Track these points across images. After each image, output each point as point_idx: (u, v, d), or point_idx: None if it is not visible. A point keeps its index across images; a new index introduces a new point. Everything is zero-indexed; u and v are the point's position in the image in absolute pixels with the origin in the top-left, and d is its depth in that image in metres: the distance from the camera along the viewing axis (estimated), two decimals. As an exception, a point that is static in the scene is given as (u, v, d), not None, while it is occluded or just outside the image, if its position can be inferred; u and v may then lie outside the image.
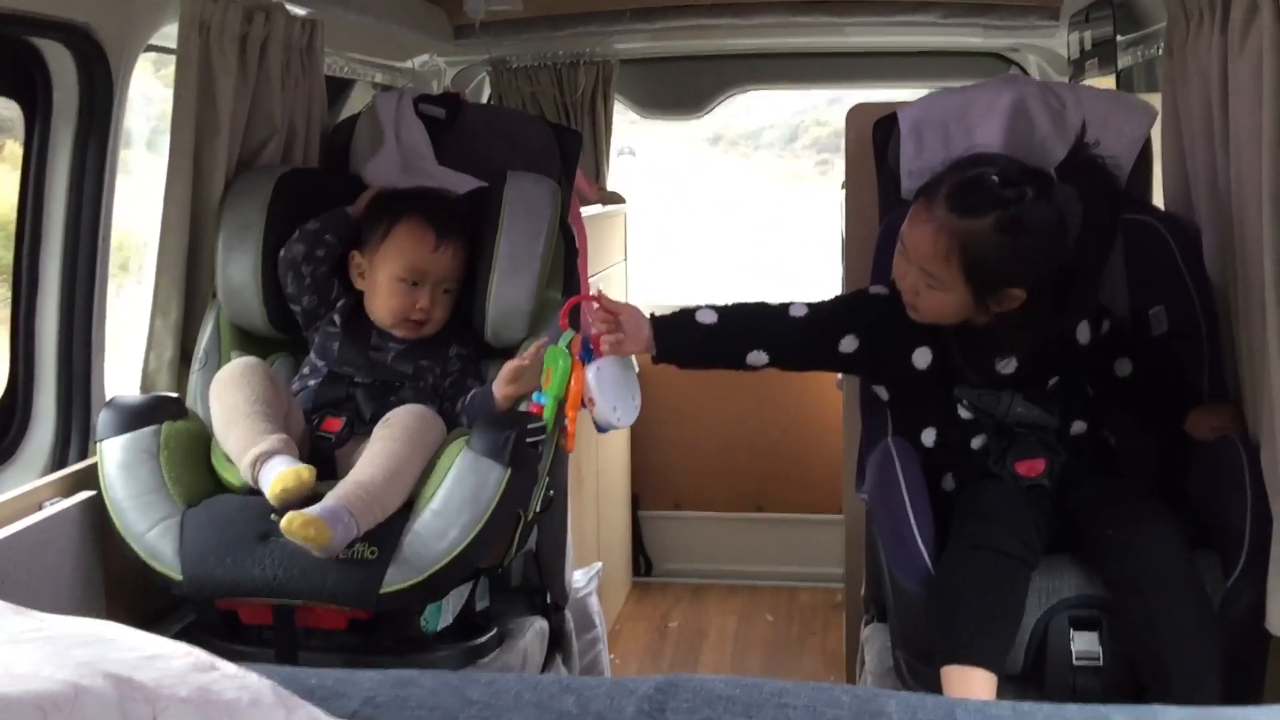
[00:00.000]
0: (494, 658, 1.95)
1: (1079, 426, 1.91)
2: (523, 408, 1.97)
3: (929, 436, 1.95)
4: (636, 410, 1.97)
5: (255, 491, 1.83)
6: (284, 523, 1.67)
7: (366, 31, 2.90)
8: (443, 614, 1.88)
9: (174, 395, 2.04)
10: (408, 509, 1.81)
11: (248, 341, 2.17)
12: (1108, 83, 2.75)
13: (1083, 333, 1.93)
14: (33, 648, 1.01)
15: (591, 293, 3.05)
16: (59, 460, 1.99)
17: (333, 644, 1.84)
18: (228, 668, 1.08)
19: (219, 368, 2.12)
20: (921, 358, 1.94)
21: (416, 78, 3.41)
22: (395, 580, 1.74)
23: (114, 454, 1.86)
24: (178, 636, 1.88)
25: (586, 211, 3.13)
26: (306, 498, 1.75)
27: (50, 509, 1.81)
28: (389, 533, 1.77)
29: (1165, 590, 1.67)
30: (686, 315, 1.97)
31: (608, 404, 1.91)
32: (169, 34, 2.05)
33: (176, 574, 1.77)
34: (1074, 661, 1.71)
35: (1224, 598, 1.69)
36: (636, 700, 1.14)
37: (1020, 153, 2.01)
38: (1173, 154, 2.07)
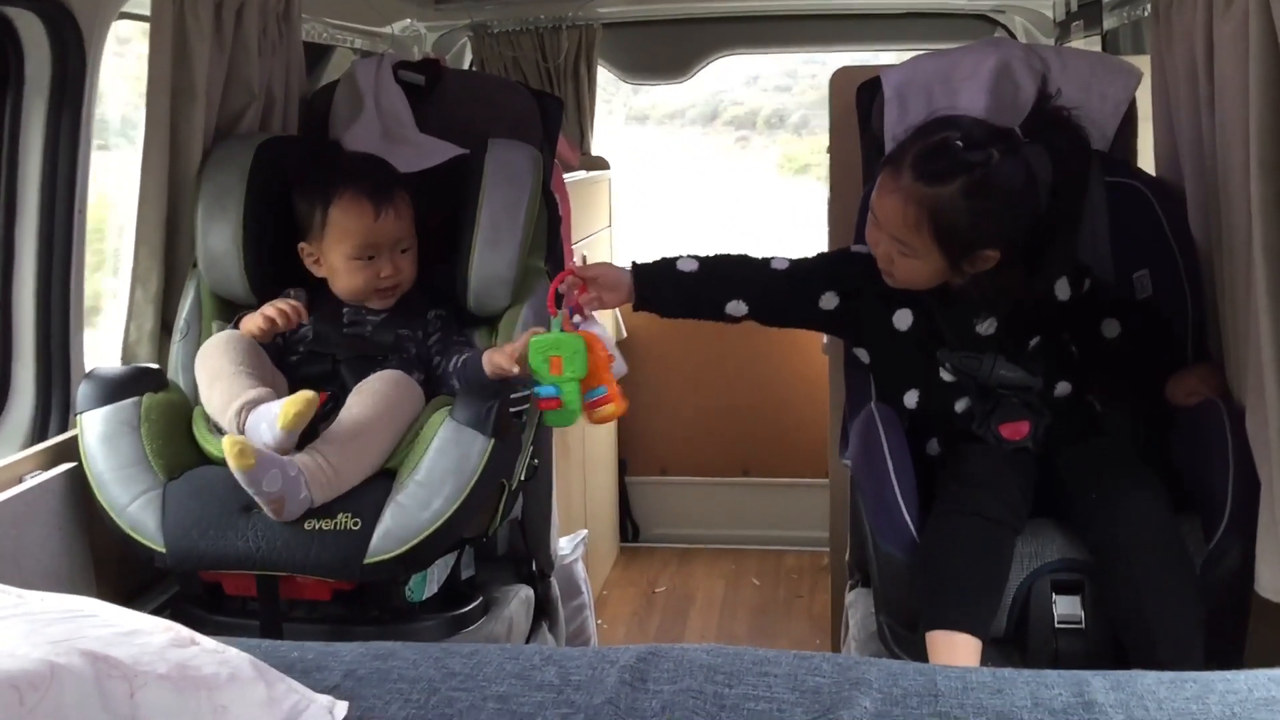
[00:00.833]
0: (479, 626, 1.95)
1: (1063, 388, 1.91)
2: (520, 393, 1.94)
3: (911, 398, 1.95)
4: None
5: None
6: (225, 440, 1.67)
7: (345, -4, 2.87)
8: (427, 584, 1.88)
9: (154, 366, 2.02)
10: (390, 479, 1.81)
11: (229, 311, 2.14)
12: (1093, 44, 2.73)
13: (1062, 290, 1.92)
14: (9, 624, 1.01)
15: (575, 260, 3.06)
16: (39, 433, 1.98)
17: (317, 615, 1.84)
18: (207, 643, 1.08)
19: (200, 338, 2.10)
20: (902, 319, 1.93)
21: (396, 43, 3.37)
22: (379, 551, 1.74)
23: (94, 426, 1.85)
24: (161, 609, 1.90)
25: (570, 177, 3.11)
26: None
27: (31, 481, 1.80)
28: (372, 503, 1.76)
29: (1148, 553, 1.67)
30: (667, 264, 1.97)
31: (619, 360, 1.87)
32: (142, 1, 2.02)
33: (159, 546, 1.77)
34: (1056, 625, 1.71)
35: (1205, 560, 1.70)
36: (618, 670, 1.14)
37: (1004, 116, 2.00)
38: (1162, 117, 2.06)
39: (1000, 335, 1.90)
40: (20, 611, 1.05)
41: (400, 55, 2.83)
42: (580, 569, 2.66)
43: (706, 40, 3.77)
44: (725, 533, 3.98)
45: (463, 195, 2.16)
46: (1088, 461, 1.82)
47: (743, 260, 1.99)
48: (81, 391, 1.88)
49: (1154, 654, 1.62)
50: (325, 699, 1.08)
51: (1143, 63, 2.15)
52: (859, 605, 2.07)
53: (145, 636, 1.04)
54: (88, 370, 1.96)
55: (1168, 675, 1.13)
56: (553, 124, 2.38)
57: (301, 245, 2.09)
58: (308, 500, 1.73)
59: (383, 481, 1.81)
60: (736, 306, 1.97)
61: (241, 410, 1.79)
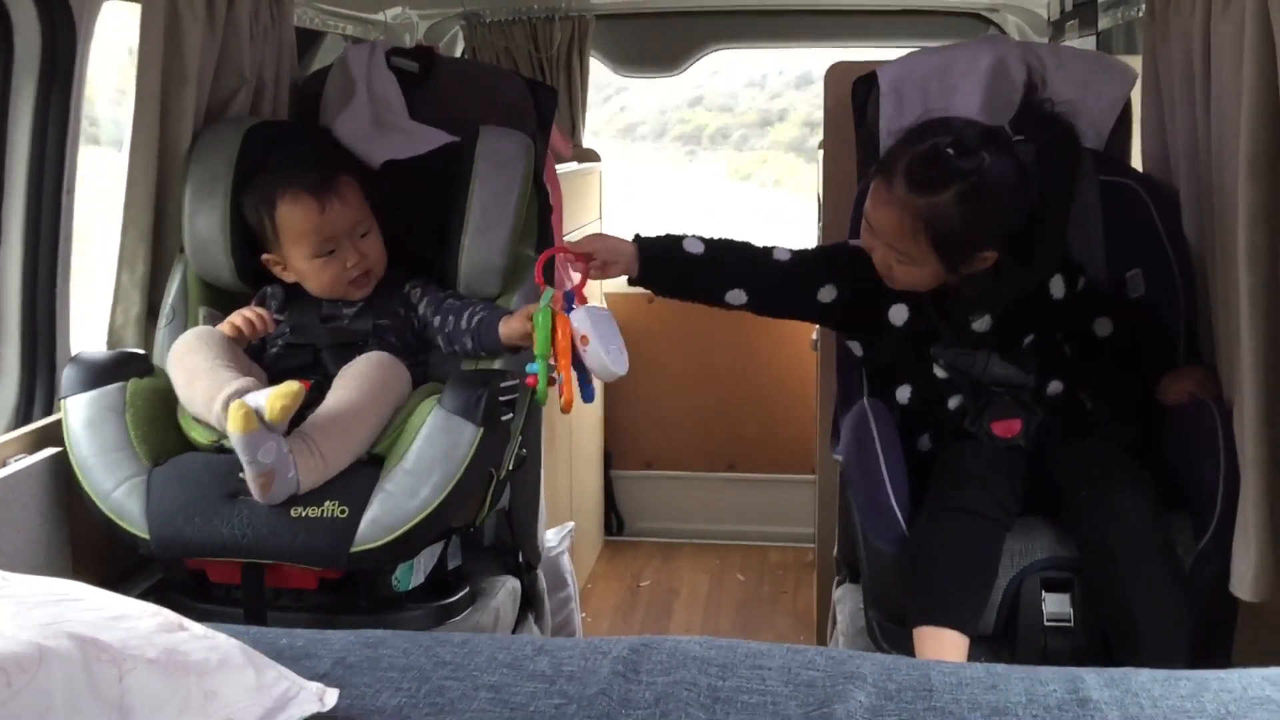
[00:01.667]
0: (466, 617, 1.94)
1: (1055, 386, 1.91)
2: (510, 381, 1.92)
3: (904, 394, 1.95)
4: (626, 360, 1.88)
5: (223, 450, 1.80)
6: (231, 405, 1.66)
7: (338, -18, 2.85)
8: (414, 573, 1.87)
9: (140, 351, 2.00)
10: (378, 467, 1.79)
11: (215, 296, 2.13)
12: (1088, 44, 2.73)
13: (1056, 287, 1.92)
14: (-5, 607, 0.99)
15: (566, 250, 3.04)
16: (23, 417, 1.96)
17: (302, 603, 1.83)
18: (196, 628, 1.07)
19: (186, 323, 2.09)
20: (898, 314, 1.93)
21: (388, 31, 3.35)
22: (366, 539, 1.72)
23: (79, 411, 1.83)
24: (145, 595, 1.88)
25: (562, 169, 3.10)
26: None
27: (14, 465, 1.78)
28: (360, 491, 1.75)
29: (1137, 552, 1.68)
30: (673, 242, 1.96)
31: (602, 344, 1.80)
32: (134, -19, 2.00)
33: (144, 533, 1.75)
34: (1045, 623, 1.71)
35: (1195, 560, 1.70)
36: (611, 661, 1.13)
37: (1000, 113, 1.99)
38: (1152, 117, 2.06)
39: (994, 333, 1.90)
40: (6, 594, 1.04)
41: (393, 42, 2.82)
42: (566, 561, 2.65)
43: (699, 33, 3.76)
44: (710, 527, 3.98)
45: (454, 182, 2.14)
46: (1079, 460, 1.82)
47: (746, 248, 1.98)
48: (66, 376, 1.86)
49: (1139, 652, 1.62)
50: (315, 686, 1.07)
51: (1136, 63, 2.15)
52: (847, 600, 2.07)
53: (133, 621, 1.03)
54: (73, 354, 1.93)
55: (1162, 673, 1.13)
56: (546, 113, 2.36)
57: (265, 257, 2.06)
58: (294, 483, 1.71)
59: (370, 469, 1.79)
60: (736, 295, 1.97)
61: (228, 402, 1.76)
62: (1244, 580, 1.60)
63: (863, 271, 1.92)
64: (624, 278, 1.97)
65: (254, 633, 1.22)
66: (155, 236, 2.11)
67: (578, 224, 3.38)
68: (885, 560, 1.77)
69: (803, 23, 3.75)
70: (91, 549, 1.87)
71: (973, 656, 1.67)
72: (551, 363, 1.78)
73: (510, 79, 2.45)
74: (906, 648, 1.69)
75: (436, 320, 2.06)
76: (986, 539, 1.72)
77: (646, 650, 1.16)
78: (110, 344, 2.08)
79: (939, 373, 1.91)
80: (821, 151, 2.72)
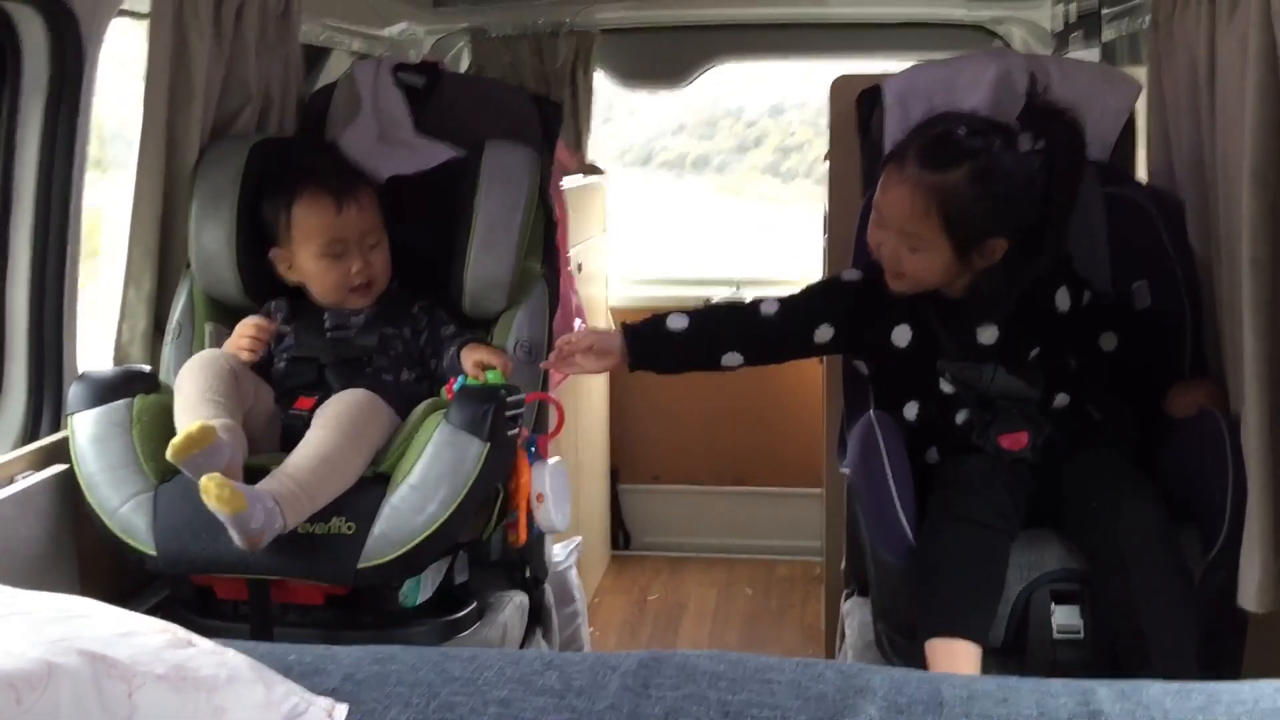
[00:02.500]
0: (473, 632, 1.93)
1: (1062, 399, 1.91)
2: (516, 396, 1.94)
3: (911, 411, 1.95)
4: (569, 517, 2.03)
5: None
6: (203, 481, 1.62)
7: (344, -2, 2.86)
8: (421, 588, 1.87)
9: (146, 368, 2.00)
10: (384, 483, 1.79)
11: (222, 312, 2.13)
12: (1092, 56, 2.74)
13: (1062, 301, 1.92)
14: (5, 624, 0.99)
15: (571, 266, 3.05)
16: (31, 433, 1.96)
17: (309, 619, 1.82)
18: (205, 644, 1.07)
19: (193, 339, 2.09)
20: (901, 336, 1.93)
21: (394, 46, 3.36)
22: (373, 555, 1.72)
23: (85, 428, 1.83)
24: (152, 612, 1.87)
25: (567, 183, 3.10)
26: (245, 471, 1.72)
27: (22, 482, 1.78)
28: (366, 507, 1.75)
29: (1145, 563, 1.67)
30: (658, 322, 1.98)
31: (555, 505, 1.95)
32: (141, -1, 2.01)
33: (151, 549, 1.75)
34: (1055, 635, 1.71)
35: (1204, 572, 1.69)
36: (620, 676, 1.13)
37: (1005, 125, 2.00)
38: (1157, 128, 2.06)
39: (1000, 346, 1.89)
40: (16, 611, 1.03)
41: (399, 57, 2.83)
42: (574, 576, 2.65)
43: (705, 47, 3.77)
44: (717, 541, 3.97)
45: (459, 197, 2.15)
46: (1086, 472, 1.82)
47: (731, 310, 2.02)
48: (73, 393, 1.86)
49: (1148, 663, 1.61)
50: (325, 701, 1.06)
51: (1140, 74, 2.15)
52: (856, 614, 2.06)
53: (142, 637, 1.03)
54: (80, 371, 1.94)
55: (1174, 685, 1.12)
56: (552, 128, 2.37)
57: (273, 252, 2.07)
58: (282, 527, 1.69)
59: (377, 485, 1.79)
60: (731, 358, 1.98)
61: None
62: (1251, 592, 1.59)
63: (860, 302, 1.95)
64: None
65: (263, 648, 1.21)
66: (161, 252, 2.12)
67: (583, 237, 3.39)
68: (893, 573, 1.77)
69: (807, 36, 3.76)
70: (98, 565, 1.86)
71: (982, 669, 1.66)
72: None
73: (516, 93, 2.46)
74: (916, 660, 1.68)
75: (433, 361, 2.08)
76: (988, 546, 1.72)
77: (656, 665, 1.15)
78: (117, 360, 2.08)
79: (946, 388, 1.91)
80: (828, 163, 2.72)
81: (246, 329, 2.00)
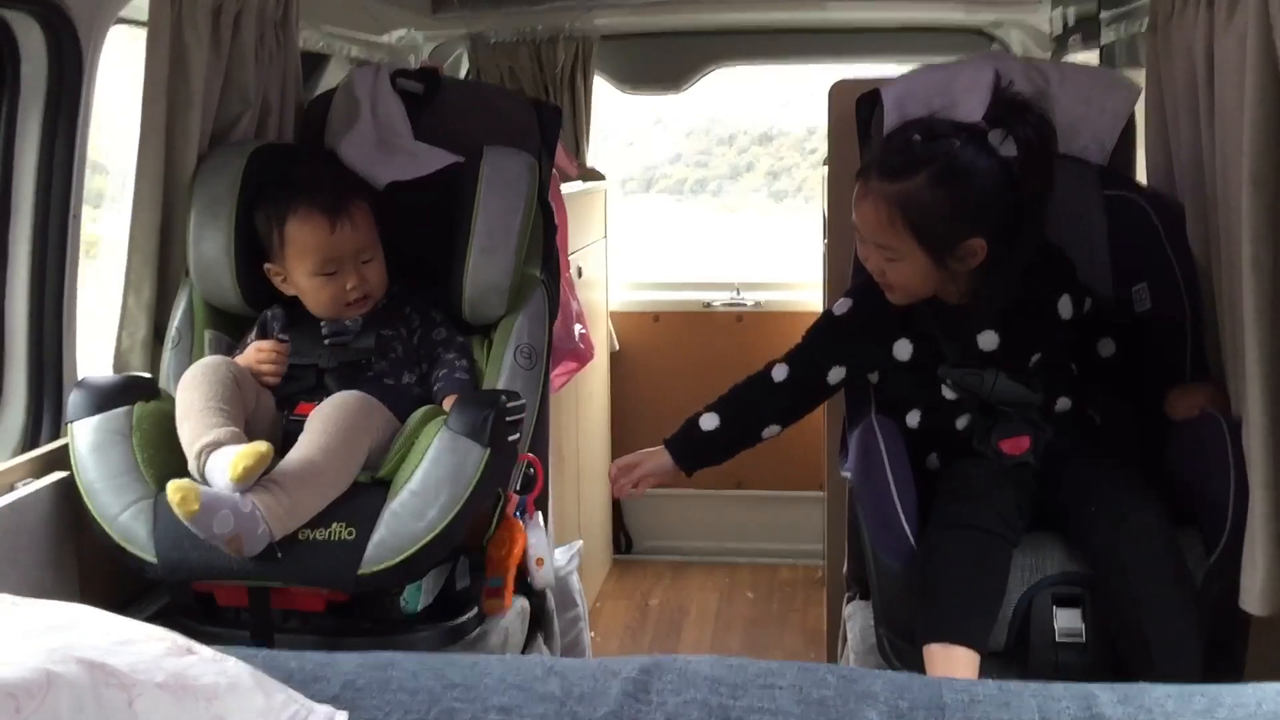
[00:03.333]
0: (475, 638, 1.93)
1: (1063, 404, 1.91)
2: (518, 402, 1.96)
3: (913, 419, 1.95)
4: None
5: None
6: (169, 484, 1.63)
7: (343, 4, 2.85)
8: (422, 594, 1.87)
9: (146, 375, 2.00)
10: (385, 488, 1.79)
11: (221, 319, 2.13)
12: (1090, 59, 2.74)
13: (1065, 308, 1.92)
14: (3, 632, 0.99)
15: (571, 272, 3.05)
16: (30, 441, 1.96)
17: (310, 626, 1.82)
18: (205, 651, 1.06)
19: (192, 347, 2.09)
20: (902, 350, 1.95)
21: (393, 52, 3.36)
22: (374, 561, 1.72)
23: (85, 435, 1.83)
24: (152, 619, 1.86)
25: (566, 188, 3.11)
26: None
27: (22, 490, 1.78)
28: (367, 513, 1.75)
29: (1147, 566, 1.67)
30: (691, 428, 2.07)
31: (551, 565, 2.04)
32: (140, 7, 2.00)
33: (151, 557, 1.74)
34: (1057, 639, 1.70)
35: (1206, 575, 1.69)
36: (621, 682, 1.13)
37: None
38: (1156, 131, 2.06)
39: (1001, 352, 1.89)
40: (14, 619, 1.03)
41: (398, 64, 2.83)
42: (575, 580, 2.64)
43: (704, 52, 3.78)
44: (719, 545, 3.96)
45: (458, 203, 2.15)
46: (1088, 475, 1.82)
47: (749, 389, 2.06)
48: (72, 400, 1.86)
49: (1150, 667, 1.61)
50: (325, 709, 1.06)
51: (1139, 77, 2.15)
52: (857, 618, 2.06)
53: (142, 645, 1.02)
54: (79, 378, 1.94)
55: (1176, 688, 1.12)
56: (551, 133, 2.37)
57: (267, 266, 2.07)
58: (267, 535, 1.68)
59: (377, 491, 1.79)
60: (770, 431, 2.07)
61: (201, 453, 1.74)
62: (1253, 594, 1.59)
63: (856, 331, 1.98)
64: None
65: (263, 655, 1.21)
66: (161, 260, 2.11)
67: (583, 243, 3.39)
68: (894, 577, 1.76)
69: (805, 41, 3.76)
70: (99, 573, 1.86)
71: (984, 673, 1.66)
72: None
73: (515, 99, 2.46)
74: (918, 665, 1.68)
75: (423, 367, 2.08)
76: (993, 554, 1.71)
77: (657, 670, 1.15)
78: (116, 368, 2.08)
79: (947, 394, 1.91)
80: (826, 169, 2.72)
81: (263, 354, 1.99)
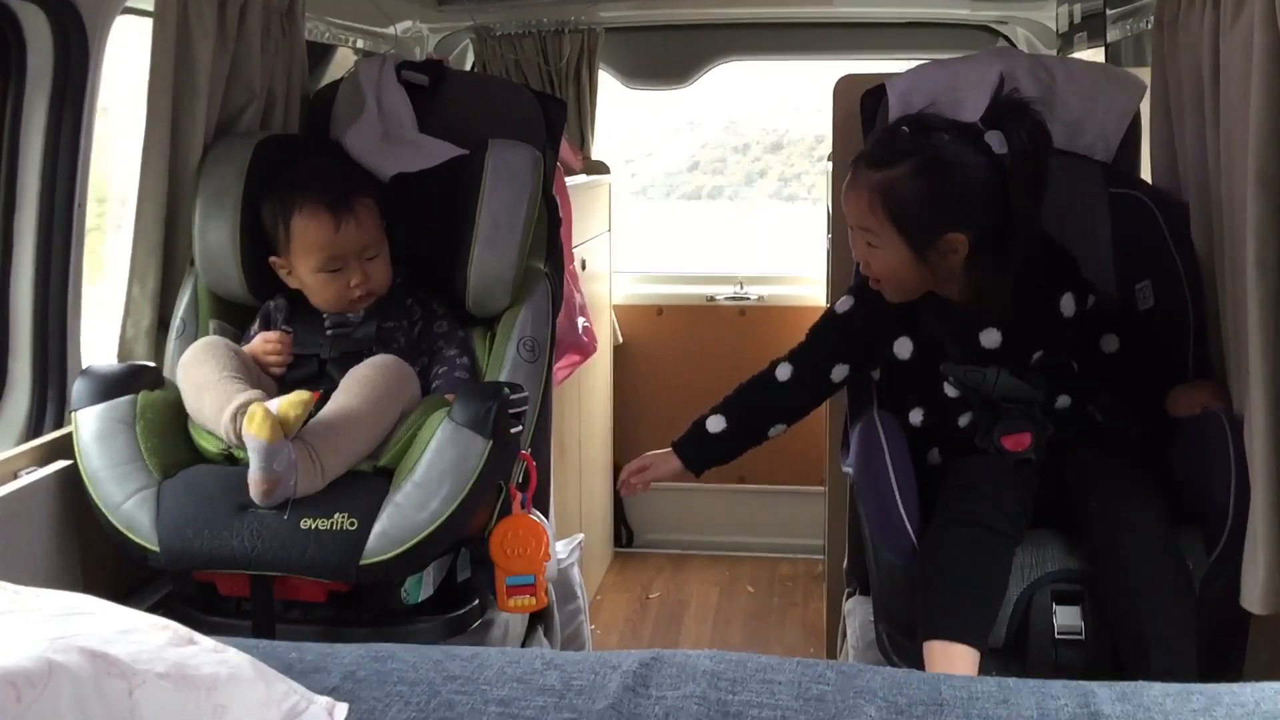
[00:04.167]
0: (475, 630, 1.93)
1: (1064, 401, 1.91)
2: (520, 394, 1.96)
3: (916, 417, 1.95)
4: None
5: (233, 461, 1.81)
6: (252, 407, 1.67)
7: (348, -4, 2.86)
8: (423, 585, 1.87)
9: (150, 364, 2.01)
10: (387, 479, 1.79)
11: (226, 309, 2.14)
12: (1096, 56, 2.73)
13: (1067, 306, 1.92)
14: (5, 621, 0.99)
15: (575, 265, 3.05)
16: (34, 429, 1.96)
17: (311, 616, 1.82)
18: (206, 642, 1.07)
19: (196, 336, 2.09)
20: (903, 348, 1.96)
21: (399, 44, 3.37)
22: (376, 551, 1.72)
23: (89, 424, 1.83)
24: (154, 608, 1.88)
25: (570, 181, 3.11)
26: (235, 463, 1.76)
27: (26, 478, 1.78)
28: (369, 504, 1.75)
29: (1146, 563, 1.67)
30: (699, 429, 2.09)
31: (553, 556, 2.03)
32: (146, -5, 2.01)
33: (154, 546, 1.75)
34: (1056, 635, 1.71)
35: (1207, 573, 1.69)
36: (620, 675, 1.13)
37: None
38: (1161, 129, 2.06)
39: (1003, 349, 1.89)
40: (17, 608, 1.04)
41: (403, 55, 2.83)
42: (576, 574, 2.65)
43: (709, 46, 3.77)
44: (719, 539, 3.97)
45: (463, 195, 2.15)
46: (1089, 472, 1.82)
47: (754, 390, 2.08)
48: (76, 388, 1.87)
49: (1148, 664, 1.61)
50: (325, 700, 1.07)
51: (1145, 75, 2.15)
52: (857, 613, 2.06)
53: (143, 635, 1.03)
54: (83, 367, 1.94)
55: (1174, 687, 1.12)
56: (555, 126, 2.37)
57: (272, 259, 2.08)
58: (292, 489, 1.71)
59: (379, 481, 1.79)
60: (777, 429, 2.09)
61: (237, 414, 1.77)
62: (1254, 593, 1.59)
63: (858, 328, 1.99)
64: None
65: (263, 646, 1.22)
66: (166, 249, 2.12)
67: (587, 235, 3.39)
68: (895, 572, 1.77)
69: (811, 36, 3.76)
70: (101, 562, 1.87)
71: (983, 670, 1.66)
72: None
73: (520, 92, 2.46)
74: (917, 661, 1.68)
75: (424, 360, 2.08)
76: (996, 553, 1.72)
77: (656, 664, 1.16)
78: (121, 357, 2.09)
79: (949, 391, 1.91)
80: (830, 164, 2.72)
81: (270, 345, 2.01)
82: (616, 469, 3.88)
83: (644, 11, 3.61)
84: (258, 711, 1.01)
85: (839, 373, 2.03)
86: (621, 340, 3.89)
